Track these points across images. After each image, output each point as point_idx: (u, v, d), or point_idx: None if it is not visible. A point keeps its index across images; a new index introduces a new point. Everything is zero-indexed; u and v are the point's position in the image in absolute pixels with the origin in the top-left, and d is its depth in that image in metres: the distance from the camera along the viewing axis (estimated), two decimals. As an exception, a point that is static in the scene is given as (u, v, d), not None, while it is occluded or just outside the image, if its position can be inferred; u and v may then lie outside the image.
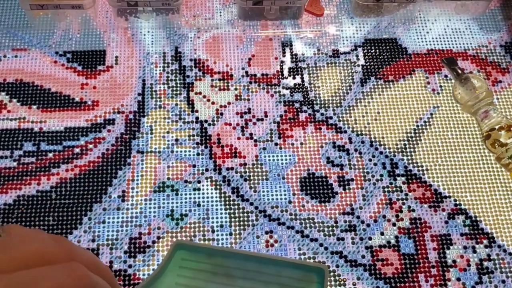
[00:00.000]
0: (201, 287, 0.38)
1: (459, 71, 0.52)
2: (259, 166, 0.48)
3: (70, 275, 0.23)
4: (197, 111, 0.51)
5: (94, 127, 0.50)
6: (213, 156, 0.49)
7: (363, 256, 0.45)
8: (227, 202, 0.47)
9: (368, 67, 0.54)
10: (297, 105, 0.51)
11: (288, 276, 0.39)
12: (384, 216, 0.46)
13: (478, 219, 0.47)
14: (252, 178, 0.48)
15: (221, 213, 0.46)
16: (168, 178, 0.48)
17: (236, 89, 0.52)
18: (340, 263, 0.45)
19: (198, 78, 0.52)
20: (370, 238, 0.46)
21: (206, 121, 0.50)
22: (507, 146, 0.48)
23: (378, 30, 0.56)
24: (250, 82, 0.52)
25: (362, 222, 0.46)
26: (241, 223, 0.46)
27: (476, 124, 0.51)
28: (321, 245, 0.45)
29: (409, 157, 0.49)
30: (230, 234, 0.45)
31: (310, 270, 0.39)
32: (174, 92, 0.52)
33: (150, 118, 0.50)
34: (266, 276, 0.39)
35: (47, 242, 0.24)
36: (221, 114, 0.51)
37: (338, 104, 0.52)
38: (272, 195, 0.47)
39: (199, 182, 0.47)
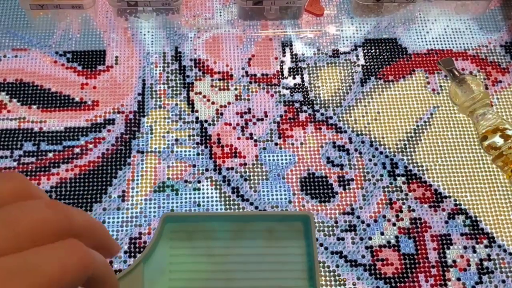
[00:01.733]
0: (194, 254, 0.38)
1: (456, 73, 0.52)
2: (259, 166, 0.48)
3: (73, 254, 0.22)
4: (197, 111, 0.51)
5: (94, 127, 0.50)
6: (213, 156, 0.49)
7: (363, 256, 0.45)
8: (227, 202, 0.47)
9: (368, 67, 0.54)
10: (297, 105, 0.51)
11: (274, 229, 0.39)
12: (384, 216, 0.46)
13: (478, 219, 0.47)
14: (252, 178, 0.48)
15: (221, 213, 0.46)
16: (168, 178, 0.48)
17: (236, 89, 0.52)
18: (340, 263, 0.45)
19: (198, 78, 0.52)
20: (370, 238, 0.46)
21: (206, 121, 0.50)
22: (500, 150, 0.47)
23: (378, 30, 0.56)
24: (250, 82, 0.52)
25: (362, 222, 0.46)
26: (241, 223, 0.46)
27: (476, 124, 0.51)
28: (321, 245, 0.45)
29: (409, 157, 0.49)
30: (230, 234, 0.45)
31: (295, 219, 0.39)
32: (174, 92, 0.52)
33: (150, 118, 0.50)
34: (254, 233, 0.39)
35: (45, 210, 0.22)
36: (221, 114, 0.51)
37: (338, 104, 0.52)
38: (272, 195, 0.47)
39: (199, 182, 0.47)
